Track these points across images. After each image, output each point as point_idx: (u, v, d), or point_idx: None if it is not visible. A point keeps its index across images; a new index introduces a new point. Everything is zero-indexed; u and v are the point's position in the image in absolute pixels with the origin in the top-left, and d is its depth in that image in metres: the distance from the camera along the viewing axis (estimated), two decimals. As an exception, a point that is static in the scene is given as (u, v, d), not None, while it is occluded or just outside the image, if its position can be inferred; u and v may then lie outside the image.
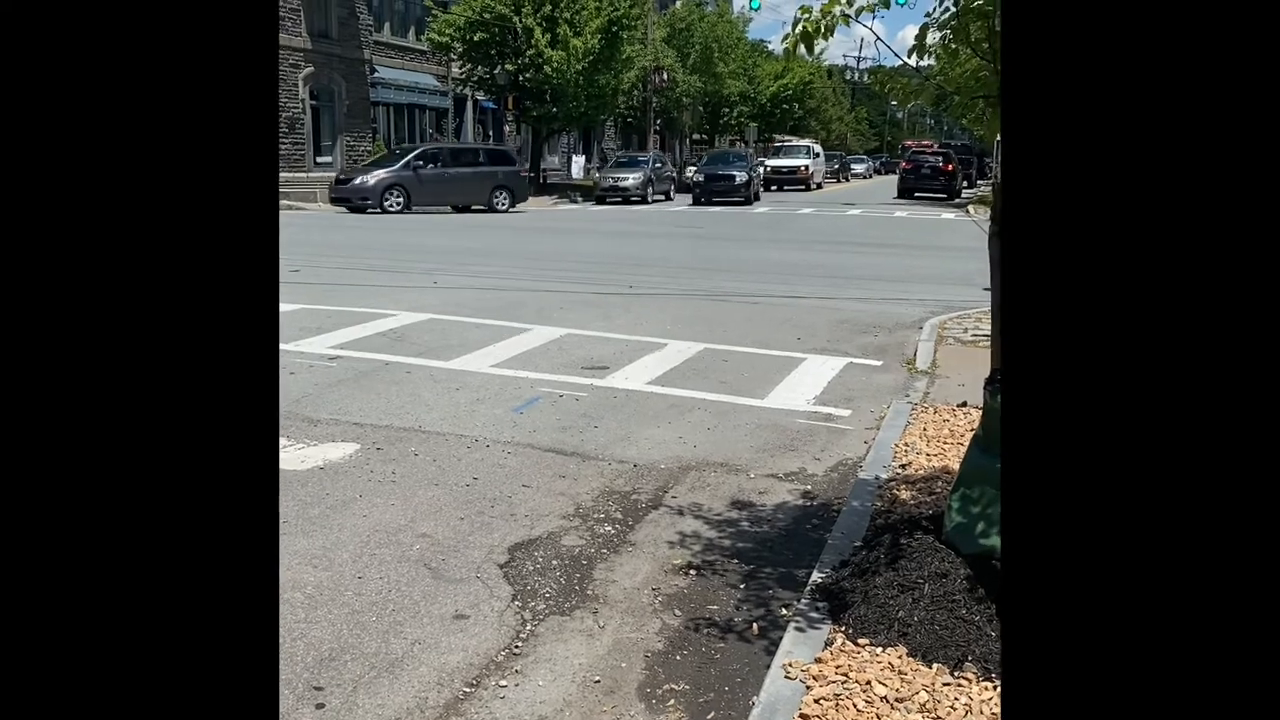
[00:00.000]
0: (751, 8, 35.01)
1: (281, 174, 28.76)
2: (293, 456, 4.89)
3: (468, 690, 2.86)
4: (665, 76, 40.93)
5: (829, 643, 2.95)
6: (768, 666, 2.91)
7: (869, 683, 2.70)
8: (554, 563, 3.76)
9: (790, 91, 51.66)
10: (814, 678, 2.75)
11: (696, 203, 30.54)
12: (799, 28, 3.40)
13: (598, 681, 2.93)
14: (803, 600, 3.32)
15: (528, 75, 31.10)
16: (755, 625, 3.28)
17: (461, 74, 33.73)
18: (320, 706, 2.74)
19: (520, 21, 30.22)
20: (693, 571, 3.70)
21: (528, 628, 3.24)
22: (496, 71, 31.73)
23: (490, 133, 39.44)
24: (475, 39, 30.96)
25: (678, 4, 50.47)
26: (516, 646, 3.12)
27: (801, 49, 3.47)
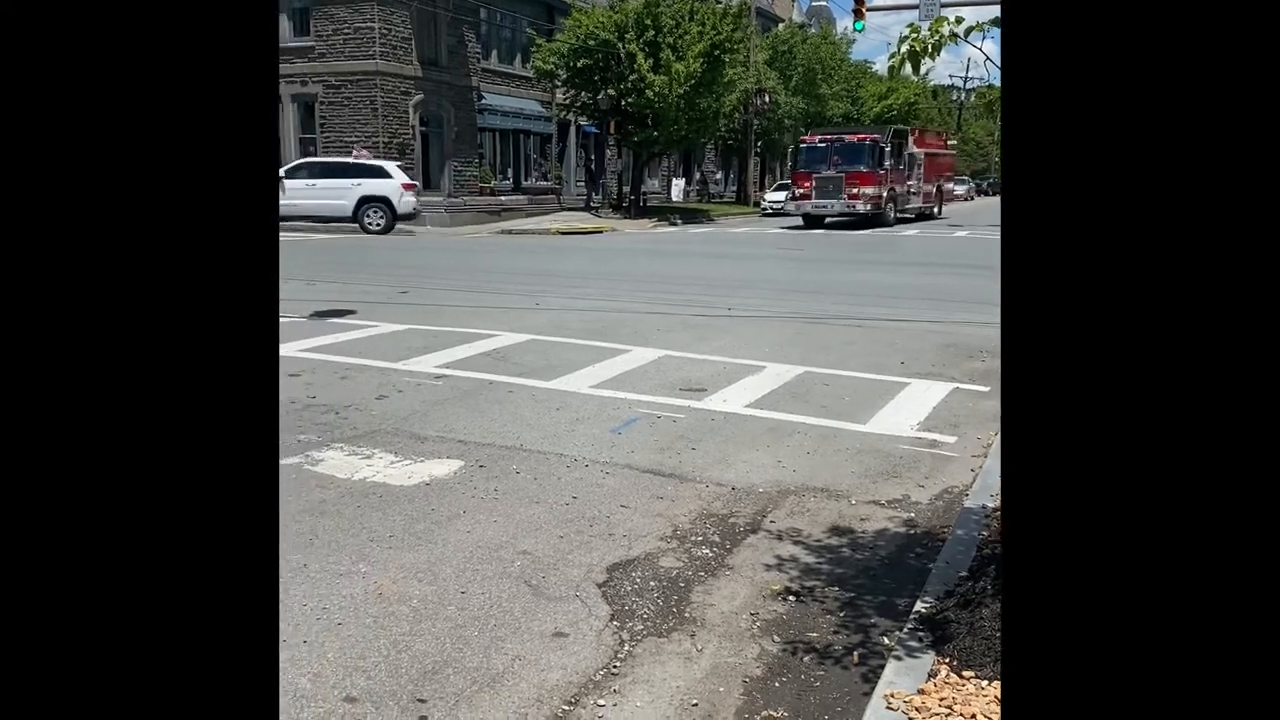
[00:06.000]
0: (855, 29, 34.72)
1: (392, 198, 29.67)
2: (400, 472, 5.03)
3: (567, 708, 2.88)
4: (767, 98, 40.91)
5: (932, 674, 2.88)
6: (868, 695, 2.86)
7: (974, 716, 2.63)
8: (652, 584, 3.76)
9: (895, 112, 50.99)
10: (916, 709, 2.69)
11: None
12: (905, 47, 3.37)
13: (695, 705, 2.91)
14: (905, 630, 3.24)
15: (630, 100, 31.48)
16: (855, 654, 3.22)
17: (565, 99, 34.34)
18: (423, 719, 2.80)
19: (624, 47, 30.63)
20: (791, 597, 3.66)
21: (625, 648, 3.25)
22: (599, 96, 32.22)
23: (592, 156, 39.98)
24: (579, 65, 31.51)
25: (781, 26, 50.45)
26: (615, 666, 3.13)
27: (907, 68, 3.44)
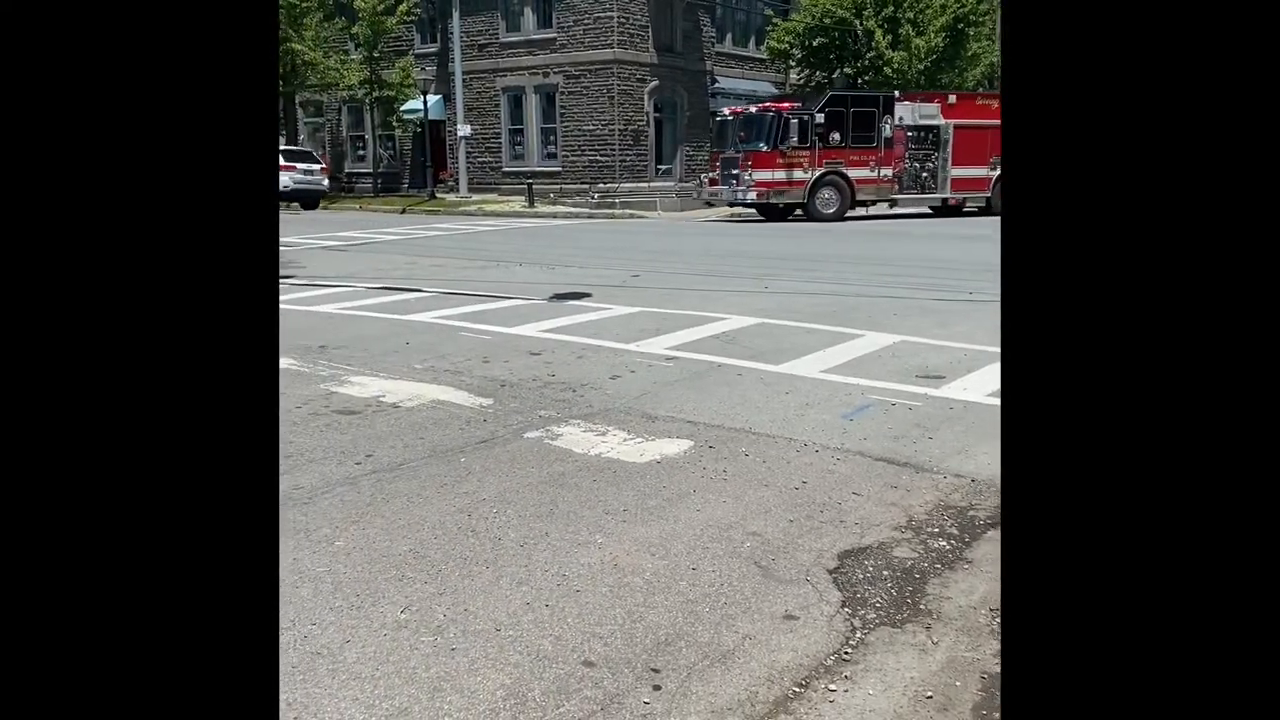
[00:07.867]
0: (1116, -8, 32.06)
1: (625, 184, 30.49)
2: (633, 449, 5.18)
3: (797, 690, 2.88)
4: (1014, 72, 38.62)
5: (1198, 690, 2.65)
6: (1122, 707, 2.67)
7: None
8: (885, 573, 3.68)
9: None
10: None
11: None
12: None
13: (930, 697, 2.83)
14: (1166, 640, 3.01)
15: (867, 78, 30.68)
16: (1108, 661, 3.02)
17: (799, 80, 33.94)
18: (657, 688, 2.88)
19: (861, 24, 29.88)
20: (1036, 596, 3.48)
21: (857, 635, 3.20)
22: (835, 75, 31.59)
23: (825, 138, 39.30)
24: (814, 44, 31.05)
25: (1030, -6, 47.50)
26: (846, 653, 3.09)
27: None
